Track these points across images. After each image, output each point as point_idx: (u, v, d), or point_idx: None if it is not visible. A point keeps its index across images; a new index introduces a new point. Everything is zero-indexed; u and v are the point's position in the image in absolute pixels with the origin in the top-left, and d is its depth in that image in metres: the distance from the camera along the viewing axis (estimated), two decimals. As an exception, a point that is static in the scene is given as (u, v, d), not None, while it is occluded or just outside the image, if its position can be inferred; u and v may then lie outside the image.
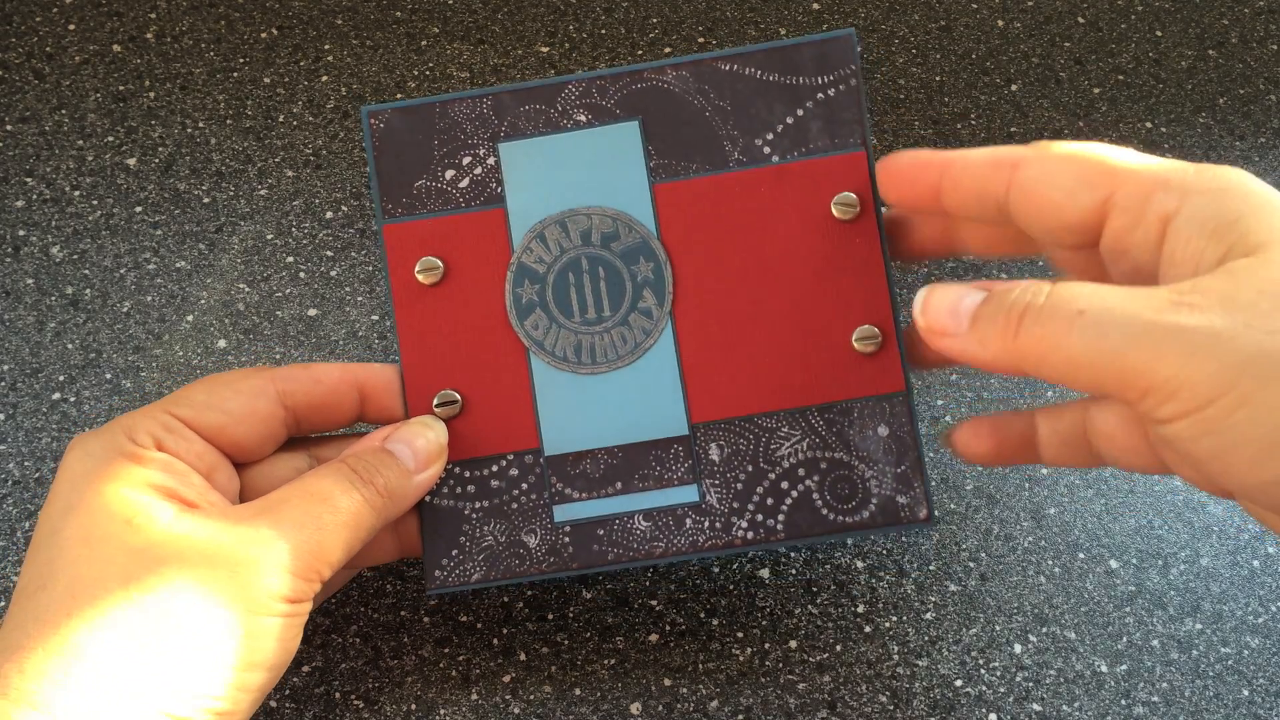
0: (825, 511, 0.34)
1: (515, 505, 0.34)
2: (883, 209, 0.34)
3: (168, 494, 0.29)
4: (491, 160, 0.34)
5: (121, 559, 0.27)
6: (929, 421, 0.42)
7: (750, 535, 0.34)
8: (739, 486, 0.34)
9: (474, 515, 0.34)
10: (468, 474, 0.35)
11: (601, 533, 0.34)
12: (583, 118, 0.34)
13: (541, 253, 0.34)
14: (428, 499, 0.34)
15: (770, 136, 0.34)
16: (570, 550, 0.34)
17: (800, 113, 0.34)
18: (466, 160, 0.34)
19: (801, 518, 0.34)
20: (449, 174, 0.34)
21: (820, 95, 0.34)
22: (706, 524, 0.34)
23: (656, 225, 0.34)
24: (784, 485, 0.34)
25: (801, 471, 0.34)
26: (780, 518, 0.34)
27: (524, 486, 0.34)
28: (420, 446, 0.33)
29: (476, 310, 0.34)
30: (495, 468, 0.34)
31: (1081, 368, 0.24)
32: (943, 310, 0.28)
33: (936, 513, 0.38)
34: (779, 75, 0.34)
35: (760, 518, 0.34)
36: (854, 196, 0.34)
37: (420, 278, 0.34)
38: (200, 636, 0.27)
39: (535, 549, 0.34)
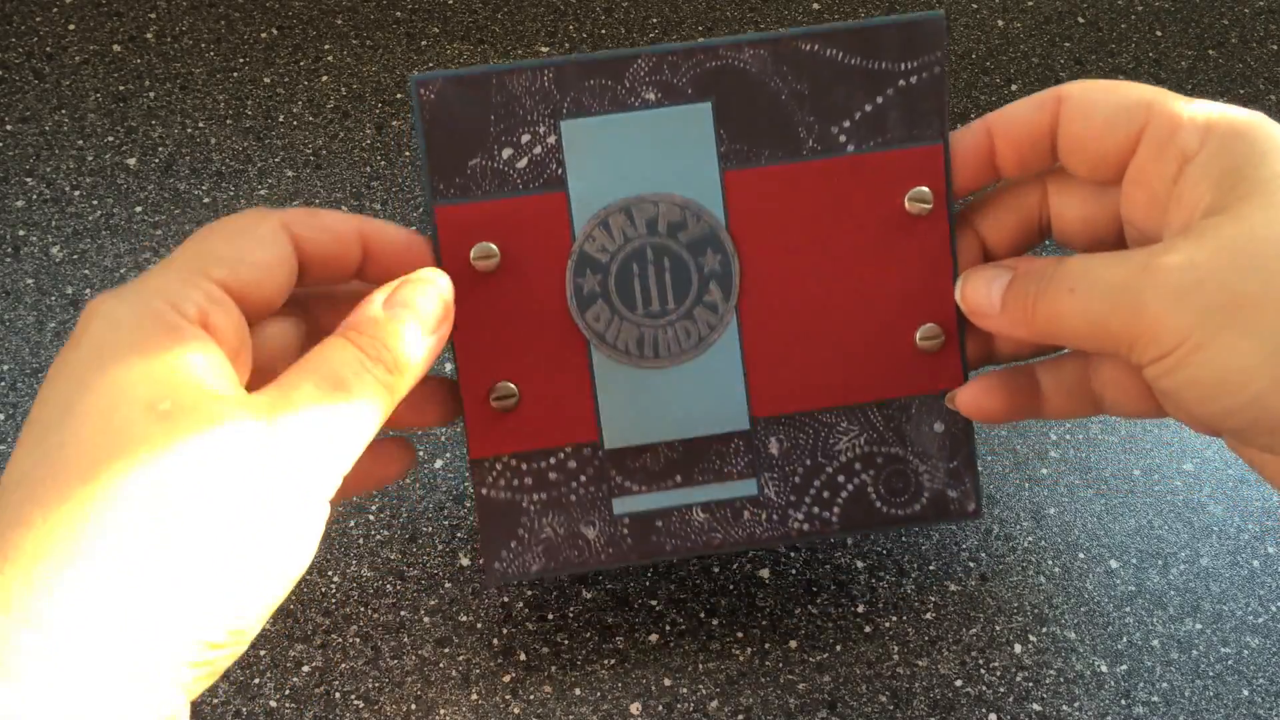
0: (879, 504, 0.35)
1: (574, 497, 0.34)
2: (955, 205, 0.34)
3: (203, 383, 0.25)
4: (552, 139, 0.32)
5: (154, 455, 0.23)
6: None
7: (806, 527, 0.35)
8: (796, 480, 0.34)
9: (531, 507, 0.34)
10: (524, 466, 0.34)
11: (660, 524, 0.34)
12: (652, 96, 0.32)
13: (605, 241, 0.32)
14: (483, 491, 0.34)
15: (847, 124, 0.32)
16: (629, 542, 0.34)
17: (880, 100, 0.32)
18: (525, 138, 0.32)
19: (856, 510, 0.35)
20: (506, 153, 0.32)
21: (902, 82, 0.32)
22: (764, 516, 0.35)
23: (725, 214, 0.33)
24: (840, 479, 0.35)
25: (858, 465, 0.35)
26: (836, 510, 0.35)
27: (582, 479, 0.34)
28: (425, 308, 0.29)
29: (535, 300, 0.33)
30: (553, 460, 0.34)
31: (1083, 334, 0.29)
32: (979, 294, 0.31)
33: (983, 506, 0.38)
34: (861, 59, 0.32)
35: (816, 510, 0.35)
36: (928, 191, 0.32)
37: (477, 265, 0.32)
38: (237, 550, 0.24)
39: (594, 540, 0.34)
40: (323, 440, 0.26)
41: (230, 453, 0.24)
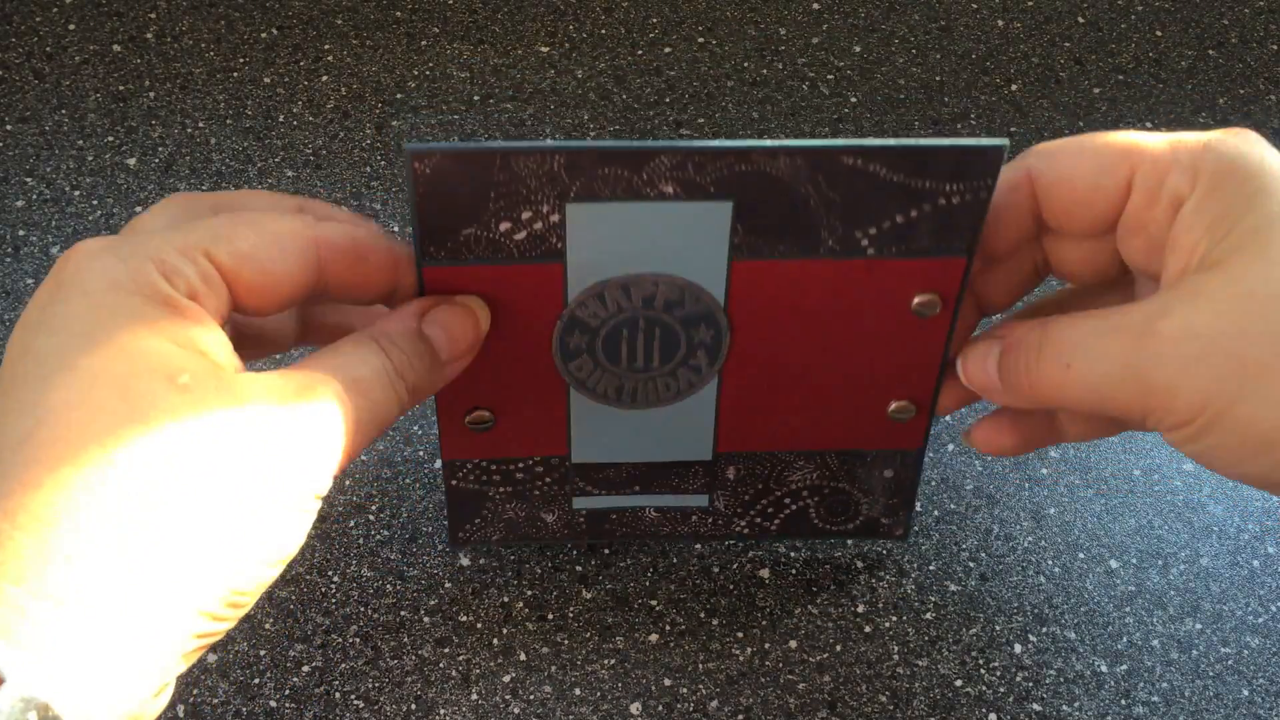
0: (817, 521, 0.38)
1: (537, 493, 0.36)
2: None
3: (219, 361, 0.25)
4: (555, 218, 0.29)
5: (173, 426, 0.23)
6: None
7: (746, 531, 0.38)
8: (746, 499, 0.37)
9: (497, 495, 0.36)
10: (494, 468, 0.35)
11: (615, 518, 0.37)
12: (670, 190, 0.29)
13: (597, 309, 0.31)
14: (453, 481, 0.35)
15: (873, 231, 0.30)
16: (584, 527, 0.37)
17: (914, 214, 0.30)
18: (526, 215, 0.29)
19: (794, 523, 0.38)
20: (504, 226, 0.29)
21: (942, 201, 0.29)
22: (710, 520, 0.37)
23: (726, 298, 0.31)
24: (786, 500, 0.37)
25: (805, 493, 0.37)
26: (776, 522, 0.38)
27: (548, 481, 0.36)
28: (458, 334, 0.29)
29: (519, 347, 0.32)
30: (522, 464, 0.35)
31: (1091, 406, 0.28)
32: (980, 374, 0.31)
33: (912, 530, 0.40)
34: (905, 176, 0.29)
35: (759, 521, 0.38)
36: (937, 298, 0.31)
37: None
38: (239, 528, 0.24)
39: (552, 524, 0.37)
40: (334, 440, 0.26)
41: (247, 434, 0.24)
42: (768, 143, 0.28)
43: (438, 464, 0.41)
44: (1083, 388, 0.27)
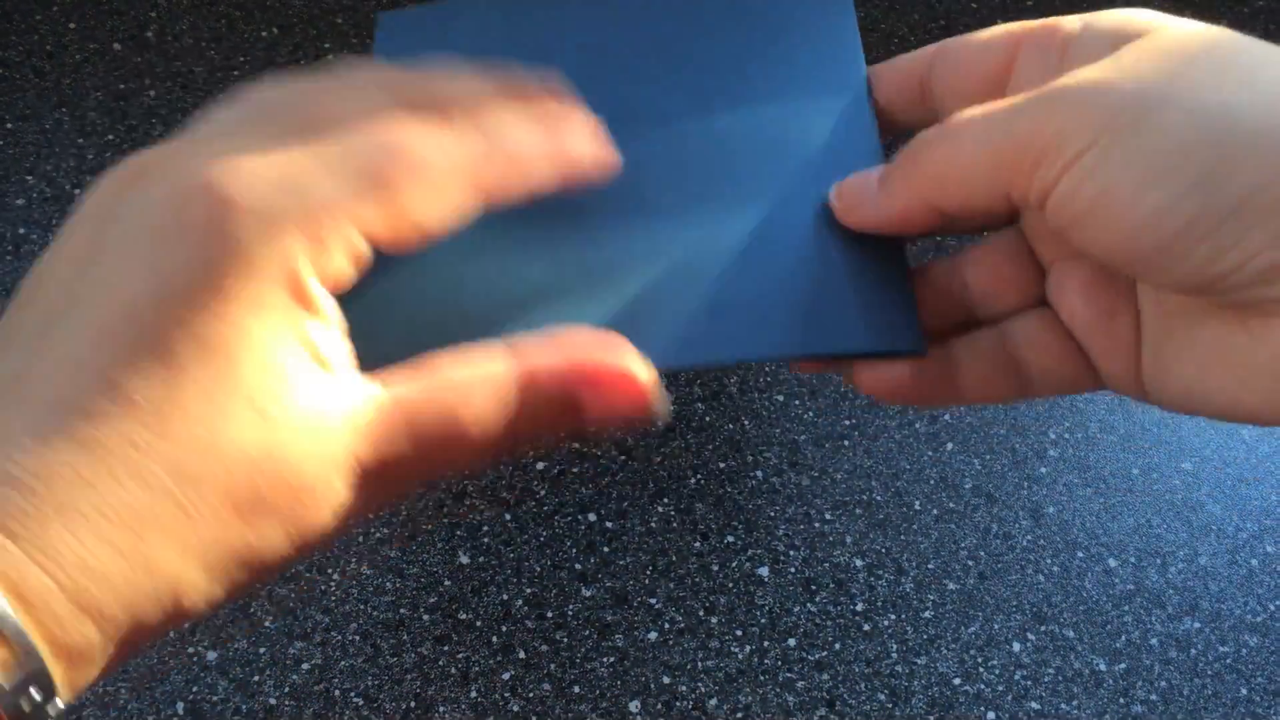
0: None
1: None
2: None
3: (315, 355, 0.25)
4: None
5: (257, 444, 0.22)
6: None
7: None
8: None
9: None
10: None
11: None
12: None
13: None
14: None
15: None
16: None
17: None
18: None
19: None
20: None
21: None
22: None
23: None
24: None
25: None
26: None
27: None
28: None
29: None
30: None
31: (979, 167, 0.23)
32: (855, 186, 0.28)
33: None
34: None
35: None
36: None
37: None
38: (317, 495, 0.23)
39: None
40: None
41: (344, 426, 0.22)
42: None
43: (437, 462, 0.41)
44: (979, 136, 0.24)
